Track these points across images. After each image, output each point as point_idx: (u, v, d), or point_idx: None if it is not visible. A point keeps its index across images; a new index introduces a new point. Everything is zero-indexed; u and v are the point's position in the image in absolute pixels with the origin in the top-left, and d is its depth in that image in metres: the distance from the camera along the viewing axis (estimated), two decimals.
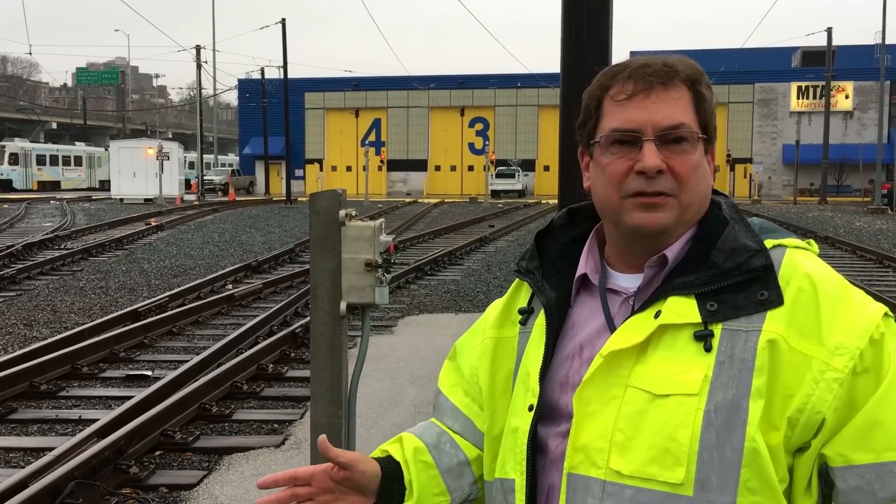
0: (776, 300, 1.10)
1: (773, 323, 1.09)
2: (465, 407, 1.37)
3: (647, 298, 1.17)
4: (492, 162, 49.41)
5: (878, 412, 1.06)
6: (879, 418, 1.06)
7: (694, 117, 1.18)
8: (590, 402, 1.15)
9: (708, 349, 1.10)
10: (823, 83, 46.67)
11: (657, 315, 1.13)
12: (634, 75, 1.18)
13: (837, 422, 1.07)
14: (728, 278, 1.13)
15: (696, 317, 1.12)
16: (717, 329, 1.11)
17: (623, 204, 1.17)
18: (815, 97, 52.91)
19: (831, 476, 1.09)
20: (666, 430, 1.08)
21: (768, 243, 1.16)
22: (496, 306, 1.37)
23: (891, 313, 1.14)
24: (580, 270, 1.24)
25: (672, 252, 1.18)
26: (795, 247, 1.17)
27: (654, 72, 1.17)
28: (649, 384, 1.11)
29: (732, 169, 48.82)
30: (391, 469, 1.31)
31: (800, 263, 1.14)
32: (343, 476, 1.25)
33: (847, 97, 52.97)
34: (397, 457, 1.33)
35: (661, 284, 1.17)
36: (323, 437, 1.25)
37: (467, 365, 1.38)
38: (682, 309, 1.13)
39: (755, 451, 1.06)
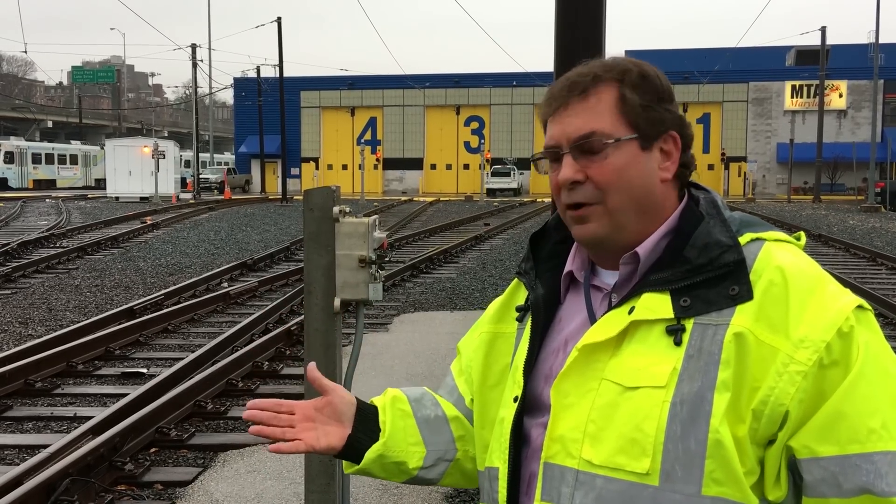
0: (746, 295, 1.11)
1: (742, 317, 1.10)
2: (463, 392, 1.43)
3: (625, 294, 1.19)
4: (487, 160, 49.41)
5: (843, 405, 1.06)
6: (844, 411, 1.06)
7: (617, 119, 1.19)
8: (567, 395, 1.18)
9: (678, 343, 1.12)
10: (817, 82, 46.81)
11: (631, 311, 1.16)
12: (557, 92, 1.23)
13: (803, 414, 1.08)
14: (700, 274, 1.14)
15: (668, 312, 1.14)
16: (689, 324, 1.13)
17: (565, 216, 1.24)
18: (809, 96, 53.00)
19: (798, 468, 1.10)
20: (634, 422, 1.11)
21: (747, 237, 1.17)
22: (495, 303, 1.42)
23: (867, 306, 1.14)
24: (567, 268, 1.29)
25: (644, 249, 1.20)
26: (776, 240, 1.18)
27: (572, 84, 1.21)
28: (621, 377, 1.14)
29: (727, 167, 48.93)
30: (369, 410, 1.38)
31: (774, 256, 1.14)
32: (324, 403, 1.33)
33: (841, 96, 53.07)
34: (377, 403, 1.40)
35: (639, 280, 1.19)
36: (312, 364, 1.35)
37: (465, 358, 1.43)
38: (656, 305, 1.15)
39: (719, 442, 1.08)
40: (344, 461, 1.37)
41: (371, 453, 1.33)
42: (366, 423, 1.35)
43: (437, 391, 1.48)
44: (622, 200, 1.18)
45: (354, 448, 1.33)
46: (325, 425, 1.32)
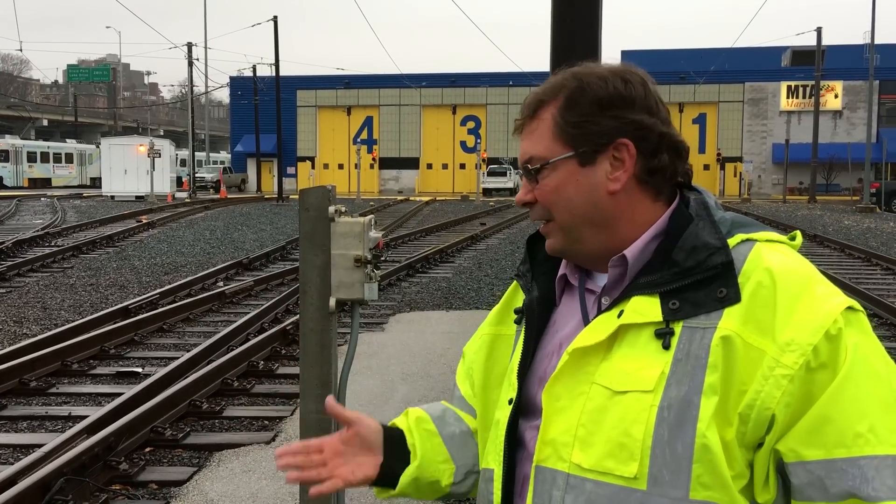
0: (734, 297, 1.10)
1: (729, 320, 1.10)
2: (469, 397, 1.44)
3: (616, 297, 1.19)
4: (483, 160, 49.42)
5: (829, 409, 1.05)
6: (830, 415, 1.05)
7: (554, 140, 1.21)
8: (559, 398, 1.18)
9: (666, 347, 1.11)
10: (813, 82, 46.87)
11: (620, 314, 1.16)
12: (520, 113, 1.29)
13: (790, 418, 1.07)
14: (689, 277, 1.13)
15: (657, 315, 1.13)
16: (678, 327, 1.12)
17: None
18: (804, 96, 53.10)
19: (786, 471, 1.09)
20: (622, 426, 1.11)
21: (738, 238, 1.15)
22: (496, 306, 1.44)
23: (858, 307, 1.13)
24: (561, 271, 1.29)
25: (632, 252, 1.19)
26: (767, 241, 1.16)
27: (524, 107, 1.26)
28: (610, 381, 1.14)
29: (723, 168, 49.02)
30: (395, 434, 1.37)
31: (763, 258, 1.13)
32: (351, 434, 1.32)
33: (836, 96, 53.17)
34: (401, 425, 1.40)
35: (629, 283, 1.19)
36: (331, 397, 1.34)
37: (468, 361, 1.44)
38: (645, 308, 1.14)
39: (706, 447, 1.07)
40: (375, 487, 1.36)
41: (405, 477, 1.34)
42: (394, 447, 1.35)
43: (452, 402, 1.47)
44: (567, 217, 1.22)
45: (388, 475, 1.34)
46: (355, 457, 1.32)
